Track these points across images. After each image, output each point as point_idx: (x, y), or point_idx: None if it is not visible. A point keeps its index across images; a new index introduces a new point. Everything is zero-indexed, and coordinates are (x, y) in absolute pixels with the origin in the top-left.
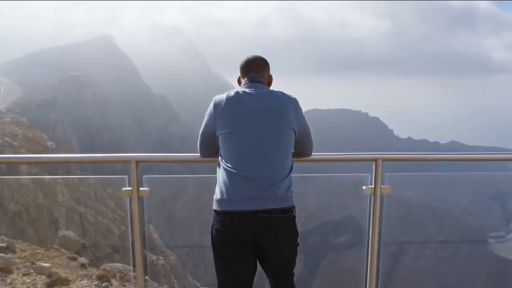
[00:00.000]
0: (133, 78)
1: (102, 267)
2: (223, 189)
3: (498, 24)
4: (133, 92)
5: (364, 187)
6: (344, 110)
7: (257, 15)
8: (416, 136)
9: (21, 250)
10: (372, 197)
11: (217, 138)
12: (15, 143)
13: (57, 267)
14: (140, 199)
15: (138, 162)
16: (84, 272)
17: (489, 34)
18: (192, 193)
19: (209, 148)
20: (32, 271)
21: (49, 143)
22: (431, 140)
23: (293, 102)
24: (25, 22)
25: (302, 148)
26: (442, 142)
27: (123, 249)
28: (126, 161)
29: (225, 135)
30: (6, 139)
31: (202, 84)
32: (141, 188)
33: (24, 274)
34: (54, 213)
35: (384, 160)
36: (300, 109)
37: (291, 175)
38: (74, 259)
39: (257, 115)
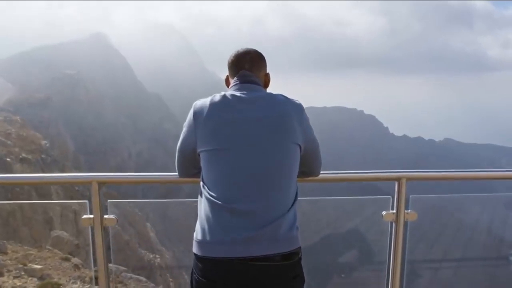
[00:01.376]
0: (127, 76)
1: (95, 268)
2: (206, 227)
3: (494, 22)
4: (127, 90)
5: (384, 213)
6: (340, 107)
7: (252, 13)
8: (412, 134)
9: (13, 251)
10: (394, 224)
11: (199, 155)
12: (9, 142)
13: (50, 269)
14: (104, 229)
15: (101, 183)
16: (77, 273)
17: (485, 32)
18: (187, 191)
19: (190, 167)
20: (23, 273)
21: (43, 142)
22: (426, 137)
23: (298, 108)
24: (16, 20)
25: (309, 167)
26: (437, 139)
27: (118, 249)
28: (86, 182)
29: (209, 153)
30: (0, 138)
31: (197, 82)
32: (105, 216)
33: (15, 277)
34: (49, 212)
35: (409, 179)
36: (307, 118)
37: (296, 204)
38: (67, 259)
39: (251, 126)
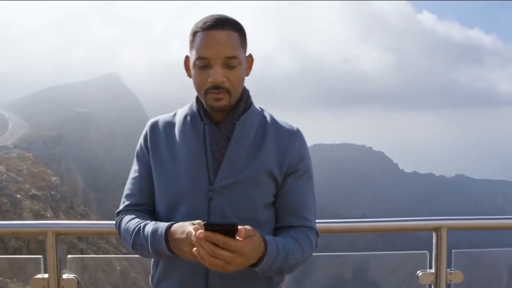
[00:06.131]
0: (137, 113)
1: None
2: None
3: (505, 59)
4: (137, 127)
5: (419, 273)
6: (348, 144)
7: (261, 51)
8: (422, 170)
9: None
10: (433, 287)
11: None
12: (20, 178)
13: None
14: None
15: (58, 234)
16: None
17: (496, 68)
18: None
19: None
20: None
21: (53, 178)
22: (437, 174)
23: None
24: (30, 62)
25: None
26: (448, 175)
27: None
28: (40, 233)
29: None
30: (11, 174)
31: None
32: (63, 276)
33: None
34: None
35: (451, 228)
36: None
37: None
38: None
39: None
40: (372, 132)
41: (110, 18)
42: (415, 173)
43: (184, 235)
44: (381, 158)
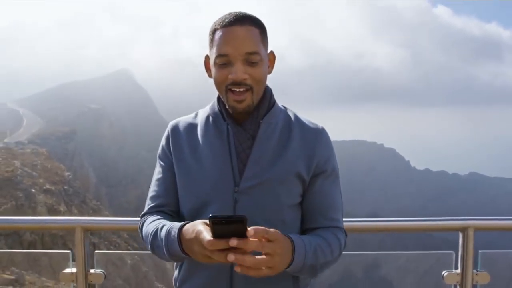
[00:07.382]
0: (148, 110)
1: None
2: None
3: None
4: (148, 123)
5: (445, 273)
6: (359, 141)
7: (273, 48)
8: (434, 168)
9: (30, 283)
10: (459, 287)
11: None
12: (34, 173)
13: None
14: (89, 286)
15: (86, 230)
16: None
17: None
18: None
19: None
20: None
21: (66, 173)
22: (450, 171)
23: None
24: (40, 60)
25: None
26: (461, 173)
27: (136, 282)
28: (68, 228)
29: None
30: (26, 169)
31: None
32: (91, 271)
33: None
34: (69, 243)
35: (478, 229)
36: None
37: None
38: None
39: None
40: (384, 128)
41: (119, 16)
42: (427, 170)
43: (194, 234)
44: (393, 155)
